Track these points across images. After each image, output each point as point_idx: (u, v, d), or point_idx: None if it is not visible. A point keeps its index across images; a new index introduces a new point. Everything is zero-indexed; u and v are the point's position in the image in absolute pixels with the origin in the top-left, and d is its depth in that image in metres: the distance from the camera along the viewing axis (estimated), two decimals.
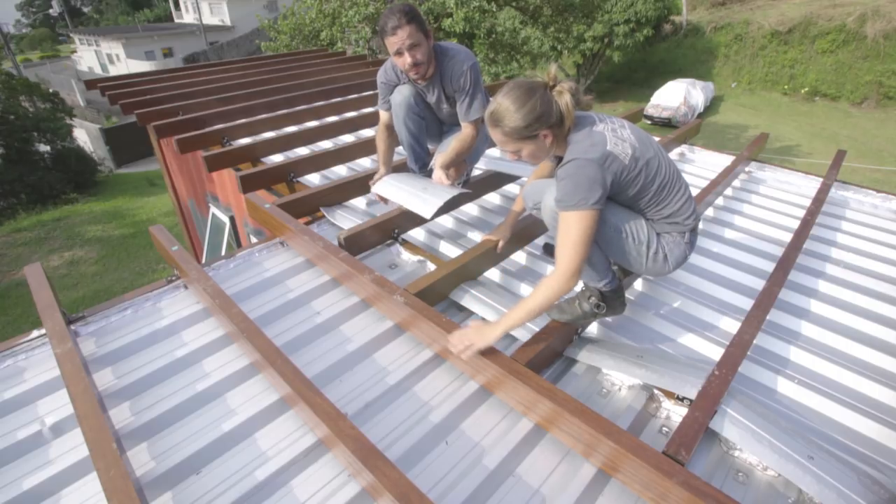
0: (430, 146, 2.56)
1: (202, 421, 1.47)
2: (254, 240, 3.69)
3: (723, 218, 2.74)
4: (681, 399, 1.54)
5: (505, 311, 1.85)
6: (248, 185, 2.81)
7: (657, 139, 3.41)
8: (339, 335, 1.81)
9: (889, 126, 15.82)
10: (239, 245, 4.42)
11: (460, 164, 2.37)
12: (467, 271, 2.03)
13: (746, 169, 3.37)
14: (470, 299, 1.95)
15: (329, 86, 4.76)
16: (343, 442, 1.24)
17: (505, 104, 1.44)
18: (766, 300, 1.83)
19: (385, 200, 2.43)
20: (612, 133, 1.49)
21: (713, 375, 1.47)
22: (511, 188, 2.95)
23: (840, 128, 16.13)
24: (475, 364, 1.55)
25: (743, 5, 21.32)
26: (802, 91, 18.24)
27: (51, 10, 55.91)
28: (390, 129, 2.47)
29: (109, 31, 33.43)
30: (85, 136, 19.21)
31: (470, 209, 2.77)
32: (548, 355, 1.67)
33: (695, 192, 2.78)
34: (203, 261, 4.03)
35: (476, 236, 2.44)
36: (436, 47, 2.20)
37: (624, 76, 21.94)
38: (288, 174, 3.00)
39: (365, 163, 3.39)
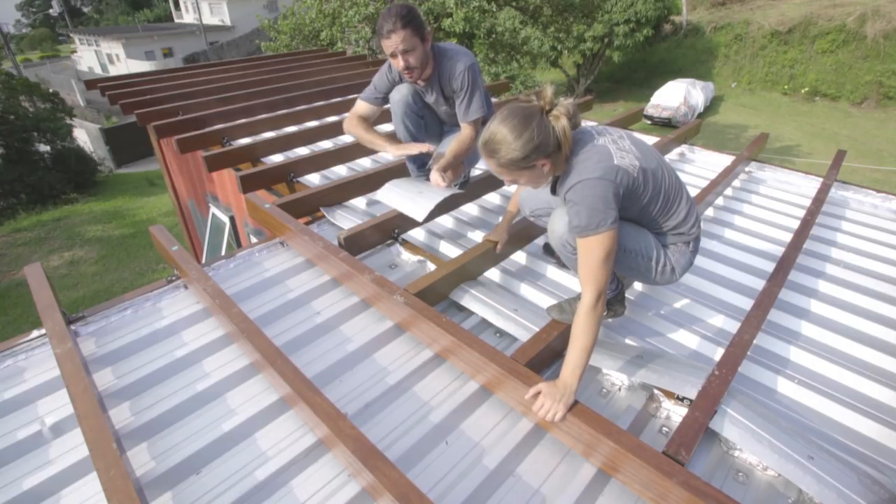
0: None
1: (202, 421, 1.47)
2: (254, 240, 3.69)
3: (723, 218, 2.74)
4: (681, 399, 1.54)
5: (505, 310, 1.86)
6: (248, 185, 2.81)
7: (657, 140, 3.45)
8: (339, 335, 1.81)
9: (889, 126, 15.83)
10: (239, 245, 4.42)
11: (458, 166, 2.36)
12: (467, 271, 2.03)
13: (746, 169, 3.37)
14: (470, 299, 1.95)
15: (329, 86, 4.76)
16: (343, 442, 1.24)
17: (501, 133, 1.37)
18: (766, 300, 1.83)
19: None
20: (615, 146, 1.45)
21: (713, 375, 1.47)
22: (511, 188, 2.94)
23: (840, 128, 16.14)
24: (475, 364, 1.55)
25: (743, 5, 21.34)
26: (802, 91, 18.25)
27: (51, 10, 55.93)
28: (363, 120, 2.36)
29: (109, 31, 33.45)
30: (85, 136, 19.21)
31: (470, 209, 2.77)
32: (548, 355, 1.66)
33: (695, 192, 2.78)
34: (203, 261, 4.03)
35: (476, 236, 2.44)
36: (434, 48, 2.20)
37: (624, 76, 21.95)
38: (288, 174, 3.00)
39: (365, 163, 3.39)
